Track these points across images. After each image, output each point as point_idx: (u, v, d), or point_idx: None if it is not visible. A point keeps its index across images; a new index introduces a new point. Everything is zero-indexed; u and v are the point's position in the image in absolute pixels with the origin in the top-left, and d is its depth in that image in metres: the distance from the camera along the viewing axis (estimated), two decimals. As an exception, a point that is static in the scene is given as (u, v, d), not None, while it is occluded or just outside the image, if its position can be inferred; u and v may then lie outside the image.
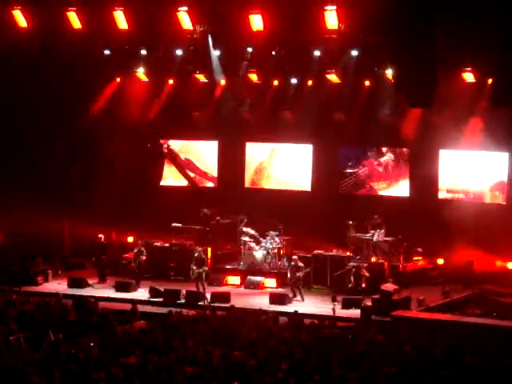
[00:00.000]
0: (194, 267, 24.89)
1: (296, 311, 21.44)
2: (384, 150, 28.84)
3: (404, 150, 28.64)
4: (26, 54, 27.05)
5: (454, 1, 21.89)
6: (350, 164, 29.24)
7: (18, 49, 26.83)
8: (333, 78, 26.91)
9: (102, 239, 27.02)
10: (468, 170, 27.61)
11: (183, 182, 31.18)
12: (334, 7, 23.33)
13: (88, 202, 29.47)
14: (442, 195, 27.95)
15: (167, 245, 27.49)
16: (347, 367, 14.97)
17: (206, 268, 25.08)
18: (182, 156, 31.16)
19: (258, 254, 26.66)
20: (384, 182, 28.93)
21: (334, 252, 26.35)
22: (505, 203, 26.80)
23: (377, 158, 28.95)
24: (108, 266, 26.95)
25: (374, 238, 26.65)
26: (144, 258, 26.09)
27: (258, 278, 25.90)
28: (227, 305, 22.85)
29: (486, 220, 25.67)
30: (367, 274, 24.72)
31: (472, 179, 27.59)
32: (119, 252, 27.74)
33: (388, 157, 28.86)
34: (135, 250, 26.36)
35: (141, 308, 21.98)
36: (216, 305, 23.03)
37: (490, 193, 27.29)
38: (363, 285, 24.60)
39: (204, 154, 31.04)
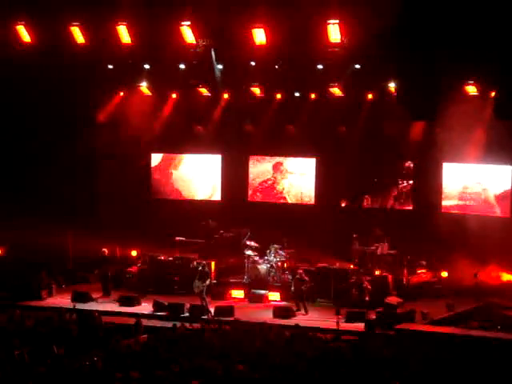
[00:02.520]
0: (197, 281, 24.86)
1: (297, 324, 21.34)
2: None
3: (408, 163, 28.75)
4: (30, 68, 27.08)
5: (456, 14, 21.92)
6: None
7: (22, 63, 26.86)
8: (336, 91, 27.01)
9: (106, 253, 27.05)
10: (471, 184, 27.60)
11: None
12: (337, 21, 23.34)
13: (92, 216, 29.50)
14: (445, 208, 27.93)
15: (171, 258, 27.49)
16: (352, 381, 14.92)
17: (209, 282, 25.00)
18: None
19: (262, 267, 26.61)
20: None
21: (338, 265, 26.33)
22: (509, 216, 26.78)
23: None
24: (112, 280, 26.96)
25: (378, 251, 26.64)
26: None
27: (262, 292, 25.85)
28: (231, 318, 22.83)
29: (491, 233, 25.61)
30: (369, 287, 24.68)
31: (476, 192, 27.58)
32: (123, 266, 27.76)
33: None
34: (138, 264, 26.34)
35: (145, 322, 21.95)
36: (220, 318, 22.99)
37: (494, 206, 27.26)
38: (366, 298, 24.56)
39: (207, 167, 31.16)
